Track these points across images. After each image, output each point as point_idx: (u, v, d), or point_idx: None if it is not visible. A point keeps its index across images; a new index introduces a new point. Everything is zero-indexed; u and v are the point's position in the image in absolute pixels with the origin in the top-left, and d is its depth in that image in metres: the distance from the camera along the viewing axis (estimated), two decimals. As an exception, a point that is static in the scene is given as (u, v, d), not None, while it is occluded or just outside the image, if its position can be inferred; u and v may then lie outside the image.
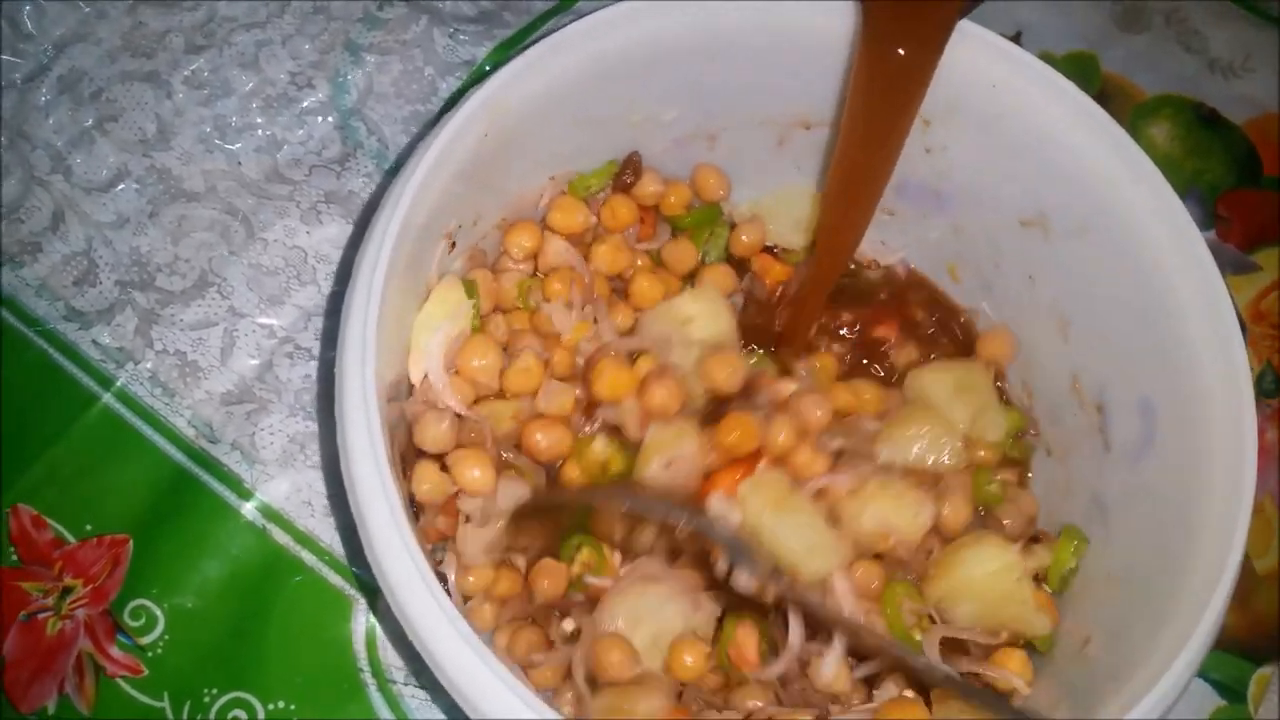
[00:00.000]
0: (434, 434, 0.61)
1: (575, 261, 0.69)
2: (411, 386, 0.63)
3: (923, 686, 0.61)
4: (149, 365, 0.75)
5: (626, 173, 0.71)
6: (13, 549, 0.71)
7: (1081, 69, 0.91)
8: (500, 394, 0.65)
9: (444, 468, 0.61)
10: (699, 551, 0.59)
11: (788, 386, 0.66)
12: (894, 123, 0.63)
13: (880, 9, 0.62)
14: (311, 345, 0.76)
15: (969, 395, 0.69)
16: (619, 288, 0.72)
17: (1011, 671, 0.61)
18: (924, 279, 0.77)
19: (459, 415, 0.62)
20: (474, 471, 0.61)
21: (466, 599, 0.64)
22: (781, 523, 0.60)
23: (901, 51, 0.61)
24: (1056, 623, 0.63)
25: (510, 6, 0.88)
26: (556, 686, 0.62)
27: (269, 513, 0.72)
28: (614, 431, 0.65)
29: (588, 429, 0.65)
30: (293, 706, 0.68)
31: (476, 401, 0.64)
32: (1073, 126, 0.64)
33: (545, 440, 0.63)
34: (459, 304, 0.64)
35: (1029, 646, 0.64)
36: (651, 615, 0.60)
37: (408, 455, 0.62)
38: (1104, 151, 0.63)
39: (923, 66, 0.62)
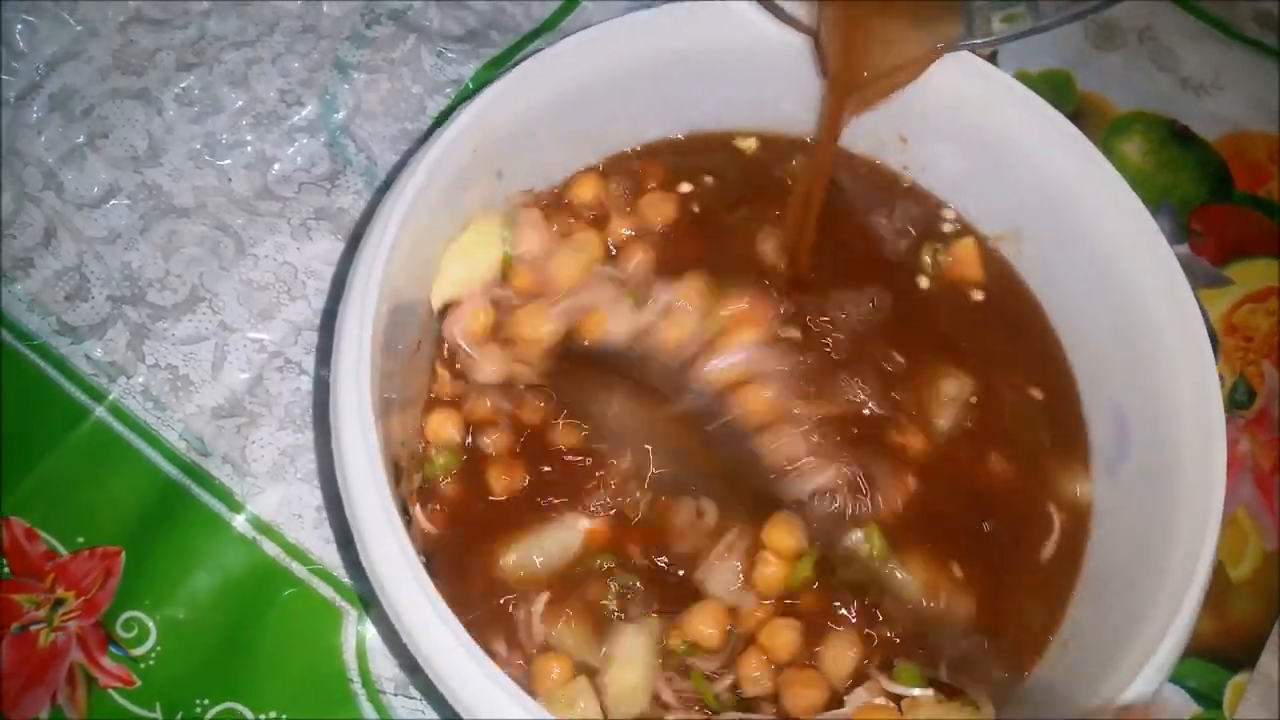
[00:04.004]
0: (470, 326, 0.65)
1: None
2: (431, 312, 0.65)
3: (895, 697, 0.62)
4: (141, 379, 0.75)
5: None
6: (4, 561, 0.71)
7: (1057, 86, 0.93)
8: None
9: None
10: None
11: None
12: None
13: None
14: (302, 359, 0.77)
15: None
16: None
17: None
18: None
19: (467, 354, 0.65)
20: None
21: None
22: None
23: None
24: None
25: (497, 25, 0.89)
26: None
27: (260, 525, 0.72)
28: None
29: None
30: (284, 716, 0.68)
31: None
32: (1047, 144, 0.65)
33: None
34: (496, 235, 0.67)
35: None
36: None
37: (400, 464, 0.63)
38: (1077, 168, 0.65)
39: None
